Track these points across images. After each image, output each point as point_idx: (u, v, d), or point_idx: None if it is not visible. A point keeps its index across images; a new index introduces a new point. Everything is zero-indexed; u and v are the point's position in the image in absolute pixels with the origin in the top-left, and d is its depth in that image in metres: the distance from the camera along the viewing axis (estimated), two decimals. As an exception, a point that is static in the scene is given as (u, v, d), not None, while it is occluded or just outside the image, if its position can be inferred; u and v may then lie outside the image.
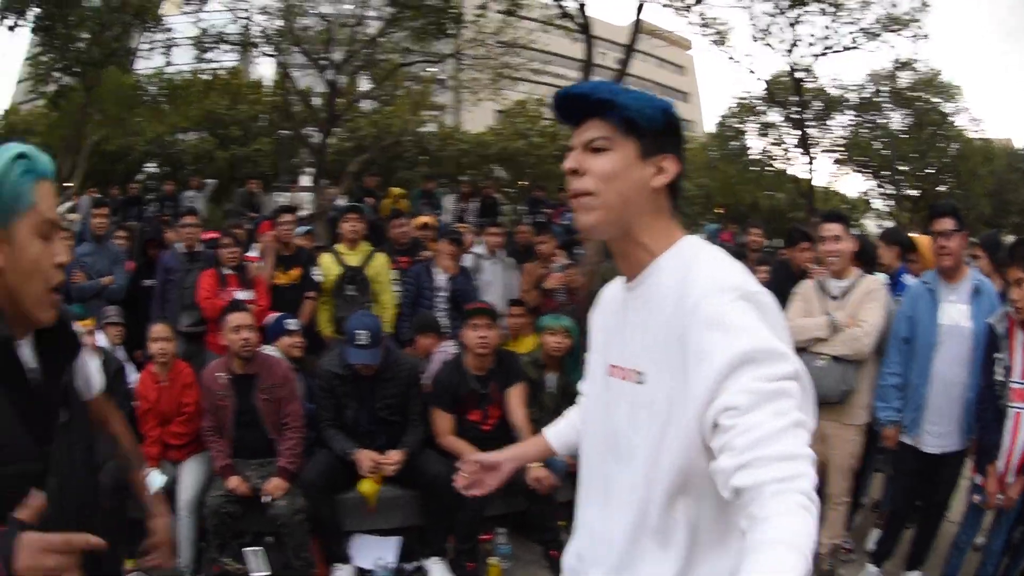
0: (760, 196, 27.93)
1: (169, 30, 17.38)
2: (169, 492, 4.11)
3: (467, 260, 6.94)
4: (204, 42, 16.36)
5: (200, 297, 5.54)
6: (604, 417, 1.56)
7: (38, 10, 14.50)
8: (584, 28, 11.27)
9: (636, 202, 1.43)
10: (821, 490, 3.95)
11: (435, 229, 7.94)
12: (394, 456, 4.31)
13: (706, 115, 27.49)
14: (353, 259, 6.07)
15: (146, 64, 19.99)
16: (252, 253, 6.60)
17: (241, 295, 5.44)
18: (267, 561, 4.08)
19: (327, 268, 6.02)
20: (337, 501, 4.41)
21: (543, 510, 4.40)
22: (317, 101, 17.46)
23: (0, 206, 1.36)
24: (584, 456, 1.67)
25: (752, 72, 18.30)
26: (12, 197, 1.36)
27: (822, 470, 4.00)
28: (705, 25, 16.32)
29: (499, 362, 4.62)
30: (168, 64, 18.56)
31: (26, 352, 1.46)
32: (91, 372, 1.81)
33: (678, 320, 1.35)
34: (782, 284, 4.71)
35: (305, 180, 20.11)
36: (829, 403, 3.94)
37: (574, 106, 1.46)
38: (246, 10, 16.00)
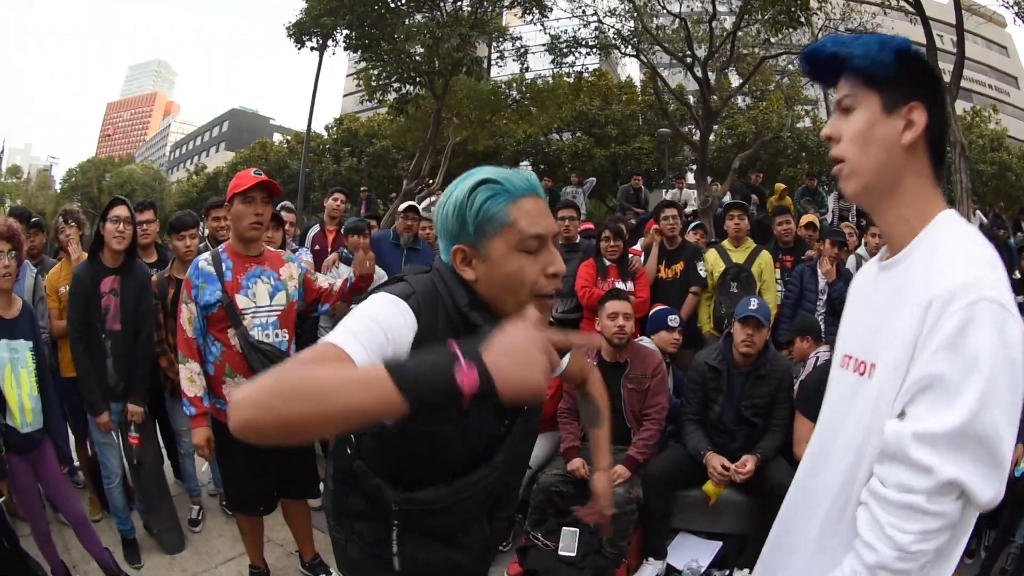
0: None
1: (519, 38, 18.41)
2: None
3: (850, 261, 6.61)
4: (558, 47, 17.18)
5: (578, 285, 5.63)
6: (831, 410, 1.51)
7: (348, 31, 16.08)
8: (918, 8, 10.48)
9: (889, 165, 1.30)
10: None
11: (819, 228, 7.59)
12: (746, 464, 4.11)
13: None
14: (738, 256, 6.02)
15: (502, 71, 21.27)
16: (636, 247, 6.66)
17: (620, 286, 5.48)
18: (579, 544, 4.04)
19: (712, 264, 6.01)
20: (674, 497, 4.34)
21: None
22: (691, 98, 17.53)
23: (467, 230, 1.50)
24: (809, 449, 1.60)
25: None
26: (481, 221, 1.49)
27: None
28: None
29: None
30: (526, 69, 19.48)
31: None
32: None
33: (917, 320, 1.20)
34: None
35: (690, 177, 20.23)
36: None
37: (823, 68, 1.38)
38: (595, 13, 16.58)
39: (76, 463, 4.77)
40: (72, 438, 4.37)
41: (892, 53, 1.26)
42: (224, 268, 3.44)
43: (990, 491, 1.15)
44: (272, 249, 3.73)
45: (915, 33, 10.60)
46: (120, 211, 4.00)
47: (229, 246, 3.52)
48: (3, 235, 3.41)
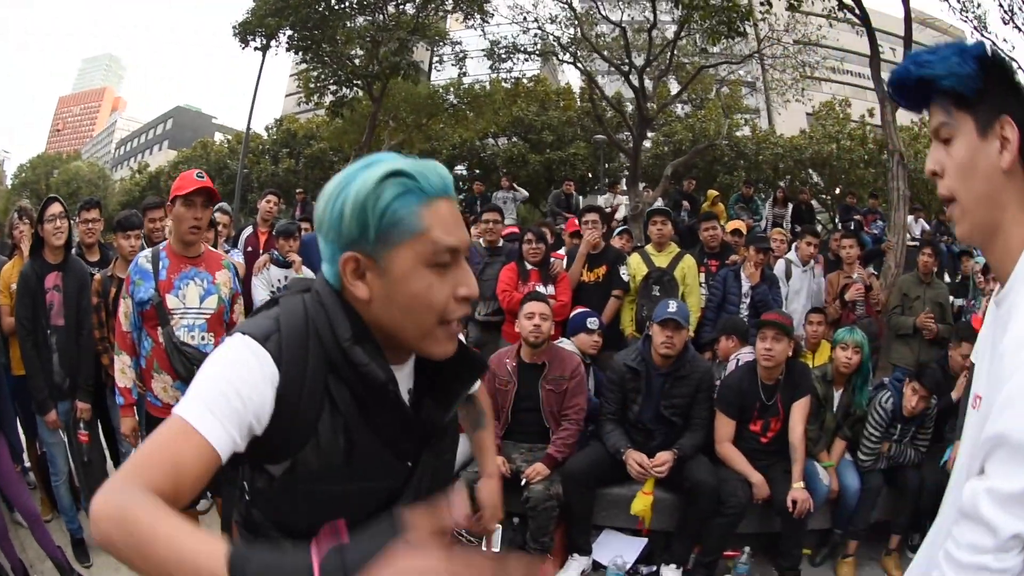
0: None
1: (459, 42, 18.57)
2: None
3: (779, 266, 6.80)
4: (497, 53, 17.34)
5: (499, 289, 5.71)
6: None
7: (291, 32, 16.14)
8: (863, 19, 10.62)
9: (993, 197, 1.15)
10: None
11: (744, 234, 7.80)
12: (662, 458, 4.25)
13: None
14: (661, 260, 6.14)
15: (440, 75, 21.34)
16: (560, 251, 6.77)
17: (542, 290, 5.54)
18: (502, 540, 4.18)
19: (635, 268, 6.11)
20: (595, 494, 4.44)
21: (792, 535, 4.32)
22: (628, 106, 17.78)
23: (367, 234, 1.21)
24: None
25: (1012, 60, 15.67)
26: (386, 224, 1.20)
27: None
28: (964, 9, 14.34)
29: (789, 373, 4.46)
30: (464, 74, 19.73)
31: (399, 375, 1.33)
32: None
33: (1009, 357, 1.08)
34: None
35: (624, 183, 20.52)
36: None
37: (909, 95, 1.23)
38: (536, 20, 16.74)
39: (27, 463, 4.80)
40: (24, 438, 4.45)
41: (974, 63, 1.13)
42: (160, 267, 3.51)
43: None
44: (214, 251, 3.81)
45: (861, 44, 10.90)
46: (54, 209, 4.14)
47: (169, 245, 3.59)
48: None
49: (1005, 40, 17.46)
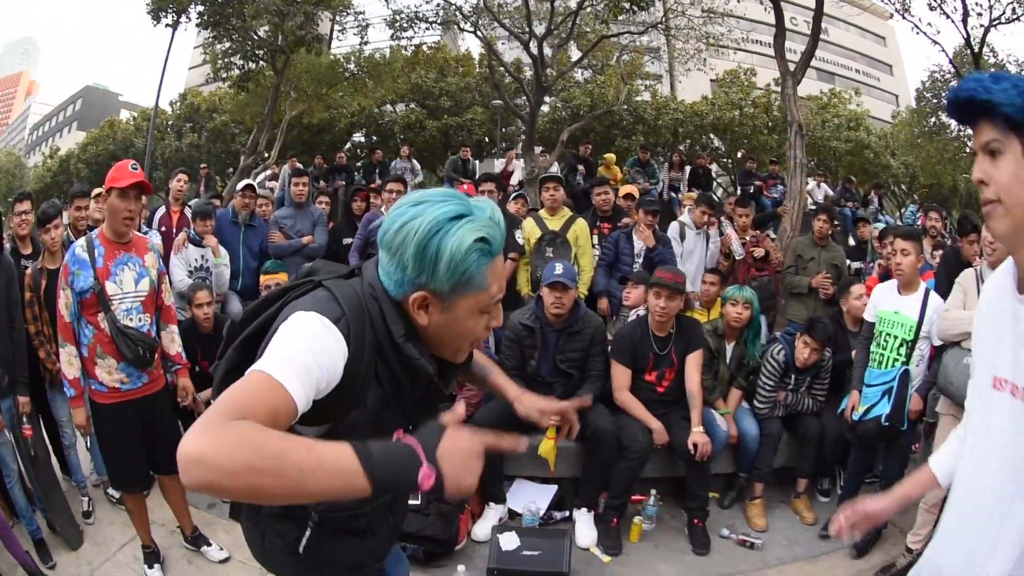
0: (959, 178, 25.50)
1: (362, 12, 18.48)
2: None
3: (673, 228, 7.12)
4: (399, 22, 17.31)
5: None
6: (984, 431, 1.54)
7: (200, 8, 15.96)
8: None
9: None
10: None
11: (636, 198, 8.11)
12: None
13: (912, 88, 25.46)
14: (554, 223, 6.42)
15: (340, 44, 21.21)
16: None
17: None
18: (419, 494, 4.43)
19: (529, 231, 6.39)
20: (503, 446, 4.72)
21: (697, 478, 4.56)
22: (528, 72, 17.91)
23: (447, 282, 1.45)
24: (960, 472, 1.67)
25: (935, 43, 16.46)
26: (463, 280, 1.46)
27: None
28: None
29: (680, 328, 4.69)
30: (364, 43, 19.62)
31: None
32: None
33: None
34: (950, 273, 4.51)
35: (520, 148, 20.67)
36: None
37: (964, 112, 1.42)
38: None
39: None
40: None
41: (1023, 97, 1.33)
42: (96, 255, 3.66)
43: None
44: (139, 234, 3.96)
45: (768, 16, 11.10)
46: (24, 206, 4.28)
47: (102, 233, 3.74)
48: None
49: (930, 24, 17.98)
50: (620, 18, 15.18)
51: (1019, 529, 1.41)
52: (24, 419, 4.20)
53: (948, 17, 14.98)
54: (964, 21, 14.94)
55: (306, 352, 1.39)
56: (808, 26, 11.41)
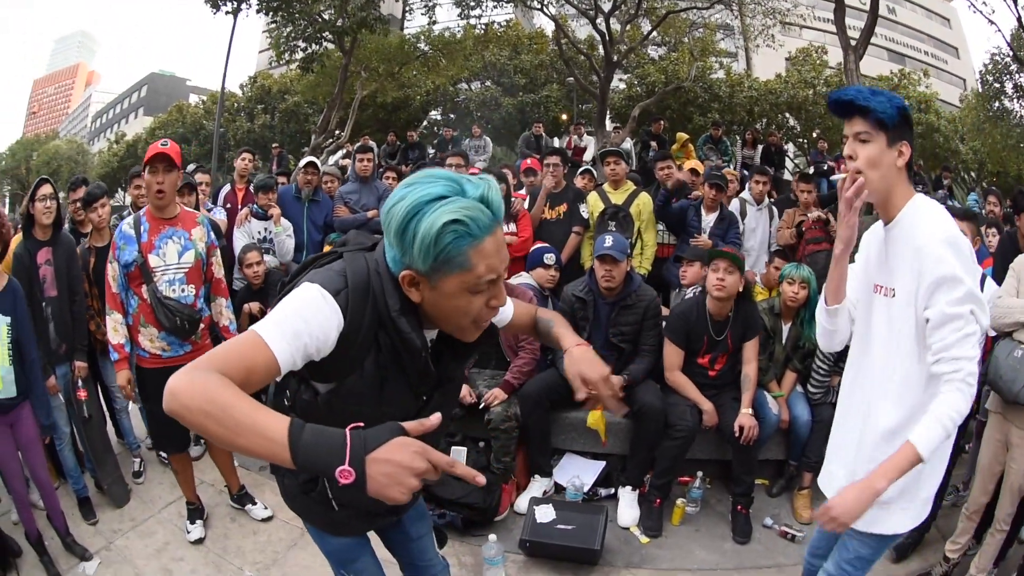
0: (1023, 166, 24.22)
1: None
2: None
3: (734, 205, 6.93)
4: (466, 0, 17.46)
5: None
6: (866, 320, 2.32)
7: None
8: None
9: (888, 178, 2.12)
10: (989, 508, 3.66)
11: (700, 173, 7.91)
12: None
13: (977, 72, 24.48)
14: (617, 197, 6.41)
15: (411, 23, 21.27)
16: (521, 191, 7.00)
17: (504, 229, 5.81)
18: (467, 461, 4.44)
19: (593, 205, 6.40)
20: (552, 417, 4.68)
21: (743, 462, 4.43)
22: (601, 49, 17.82)
23: (426, 265, 1.51)
24: (850, 353, 2.46)
25: (991, 23, 15.58)
26: (441, 261, 1.49)
27: (997, 487, 3.59)
28: None
29: (738, 313, 4.52)
30: (433, 23, 19.82)
31: (429, 335, 1.75)
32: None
33: (913, 255, 2.08)
34: (1006, 259, 4.07)
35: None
36: (1022, 404, 3.35)
37: (844, 108, 2.13)
38: None
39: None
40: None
41: (895, 110, 2.05)
42: (142, 230, 3.88)
43: (985, 318, 2.05)
44: (188, 210, 4.13)
45: None
46: (45, 189, 4.37)
47: (148, 210, 3.95)
48: None
49: (985, 3, 17.14)
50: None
51: (882, 372, 2.24)
52: (80, 383, 4.44)
53: None
54: (1015, 1, 14.23)
55: (299, 319, 1.52)
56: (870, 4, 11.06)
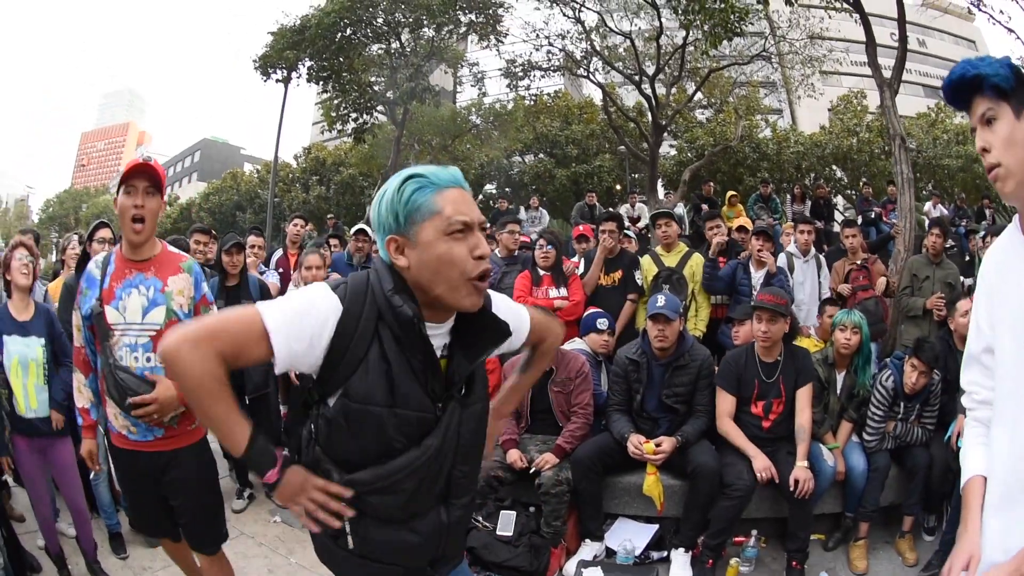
0: None
1: (475, 64, 19.05)
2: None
3: (780, 260, 6.85)
4: (513, 71, 17.74)
5: (514, 296, 5.80)
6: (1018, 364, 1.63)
7: (310, 63, 16.71)
8: (857, 6, 10.52)
9: None
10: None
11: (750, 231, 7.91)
12: (662, 444, 4.42)
13: None
14: (670, 260, 6.41)
15: (462, 96, 21.64)
16: (574, 259, 7.01)
17: (554, 293, 5.89)
18: (516, 526, 4.40)
19: (647, 269, 6.39)
20: (604, 482, 4.64)
21: (798, 517, 4.35)
22: (649, 116, 17.99)
23: (398, 221, 1.69)
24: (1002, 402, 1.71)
25: (1011, 31, 15.28)
26: (410, 211, 1.68)
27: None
28: None
29: (790, 356, 4.53)
30: (484, 94, 20.23)
31: (437, 332, 1.80)
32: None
33: None
34: None
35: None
36: None
37: (958, 93, 1.64)
38: (547, 37, 17.12)
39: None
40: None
41: (1008, 68, 1.56)
42: (107, 273, 3.01)
43: None
44: (173, 251, 3.21)
45: (858, 32, 10.83)
46: (104, 233, 4.62)
47: (119, 248, 3.09)
48: (26, 243, 3.98)
49: (1003, 13, 17.02)
50: (725, 51, 15.02)
51: None
52: None
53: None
54: (1034, 6, 13.91)
55: (301, 316, 1.68)
56: (892, 38, 11.01)
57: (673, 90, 18.64)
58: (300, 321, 1.66)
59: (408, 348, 1.72)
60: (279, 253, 7.49)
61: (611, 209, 16.63)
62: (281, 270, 7.10)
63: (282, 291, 6.36)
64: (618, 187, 26.32)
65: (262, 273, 6.41)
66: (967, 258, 9.10)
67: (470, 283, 1.70)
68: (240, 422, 1.69)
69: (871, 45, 9.98)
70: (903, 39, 9.92)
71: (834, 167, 26.49)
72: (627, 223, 12.28)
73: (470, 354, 1.84)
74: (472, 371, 1.88)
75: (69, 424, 3.95)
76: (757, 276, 6.26)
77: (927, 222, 10.93)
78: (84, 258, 4.41)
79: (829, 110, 28.10)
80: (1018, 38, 15.70)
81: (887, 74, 9.73)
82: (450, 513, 1.93)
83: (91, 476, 4.40)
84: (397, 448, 1.75)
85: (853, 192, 25.94)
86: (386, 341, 1.71)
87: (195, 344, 1.59)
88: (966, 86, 1.60)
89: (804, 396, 4.45)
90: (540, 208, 15.36)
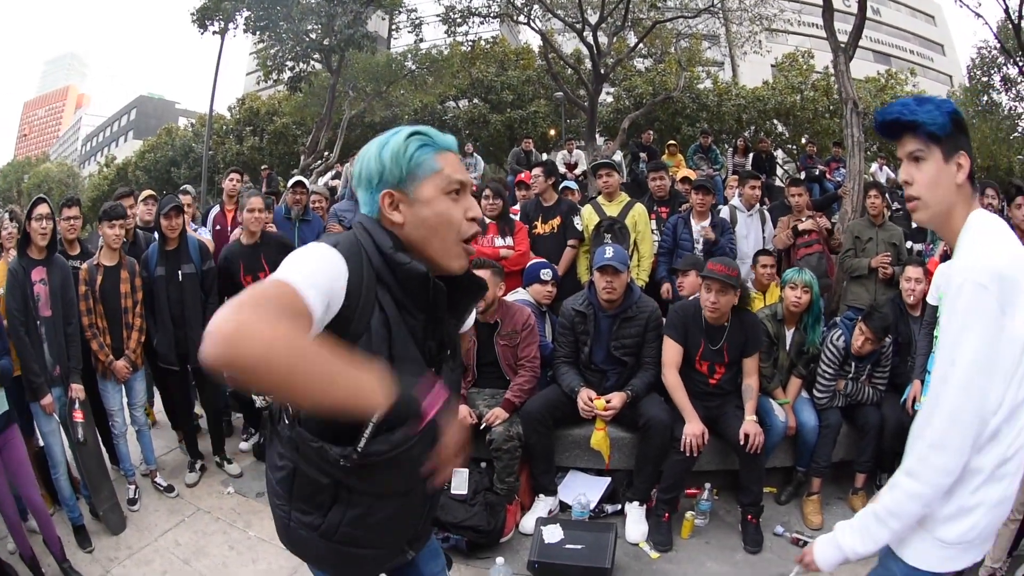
0: (1014, 159, 24.41)
1: (413, 10, 18.72)
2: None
3: (723, 213, 6.87)
4: (453, 18, 17.45)
5: None
6: None
7: (248, 13, 16.33)
8: None
9: (948, 199, 1.78)
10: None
11: (693, 182, 7.89)
12: (611, 400, 4.39)
13: (964, 68, 24.97)
14: (612, 209, 6.34)
15: (397, 42, 21.37)
16: (515, 207, 6.98)
17: (500, 243, 5.85)
18: (468, 483, 4.34)
19: (587, 218, 6.32)
20: (555, 435, 4.60)
21: (750, 471, 4.35)
22: (587, 63, 17.89)
23: (400, 174, 1.66)
24: None
25: (978, 16, 15.62)
26: (413, 166, 1.65)
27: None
28: None
29: (737, 324, 4.46)
30: (420, 40, 19.90)
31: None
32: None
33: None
34: None
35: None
36: None
37: (891, 128, 1.82)
38: None
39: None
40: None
41: (946, 116, 1.74)
42: None
43: None
44: None
45: None
46: (42, 209, 4.33)
47: None
48: None
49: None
50: (673, 3, 14.95)
51: None
52: (76, 404, 4.40)
53: None
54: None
55: (320, 275, 1.49)
56: (846, 4, 11.06)
57: (614, 39, 18.53)
58: (324, 289, 1.47)
59: (410, 310, 1.69)
60: (216, 210, 7.23)
61: (546, 155, 16.63)
62: (218, 227, 6.88)
63: (217, 249, 6.04)
64: (552, 132, 26.33)
65: (195, 231, 6.18)
66: (915, 224, 9.20)
67: (461, 244, 1.72)
68: (361, 368, 1.35)
69: (829, 10, 9.99)
70: (863, 8, 9.97)
71: (775, 121, 26.73)
72: (564, 169, 12.22)
73: (455, 313, 1.87)
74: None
75: (18, 415, 3.95)
76: (697, 229, 6.30)
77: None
78: (24, 238, 4.33)
79: (773, 66, 28.28)
80: (985, 23, 15.97)
81: (843, 38, 9.77)
82: (428, 489, 1.88)
83: (52, 471, 4.38)
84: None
85: (794, 147, 26.35)
86: (387, 307, 1.65)
87: (245, 312, 1.20)
88: (901, 126, 1.79)
89: (751, 363, 4.47)
90: (475, 154, 15.21)
